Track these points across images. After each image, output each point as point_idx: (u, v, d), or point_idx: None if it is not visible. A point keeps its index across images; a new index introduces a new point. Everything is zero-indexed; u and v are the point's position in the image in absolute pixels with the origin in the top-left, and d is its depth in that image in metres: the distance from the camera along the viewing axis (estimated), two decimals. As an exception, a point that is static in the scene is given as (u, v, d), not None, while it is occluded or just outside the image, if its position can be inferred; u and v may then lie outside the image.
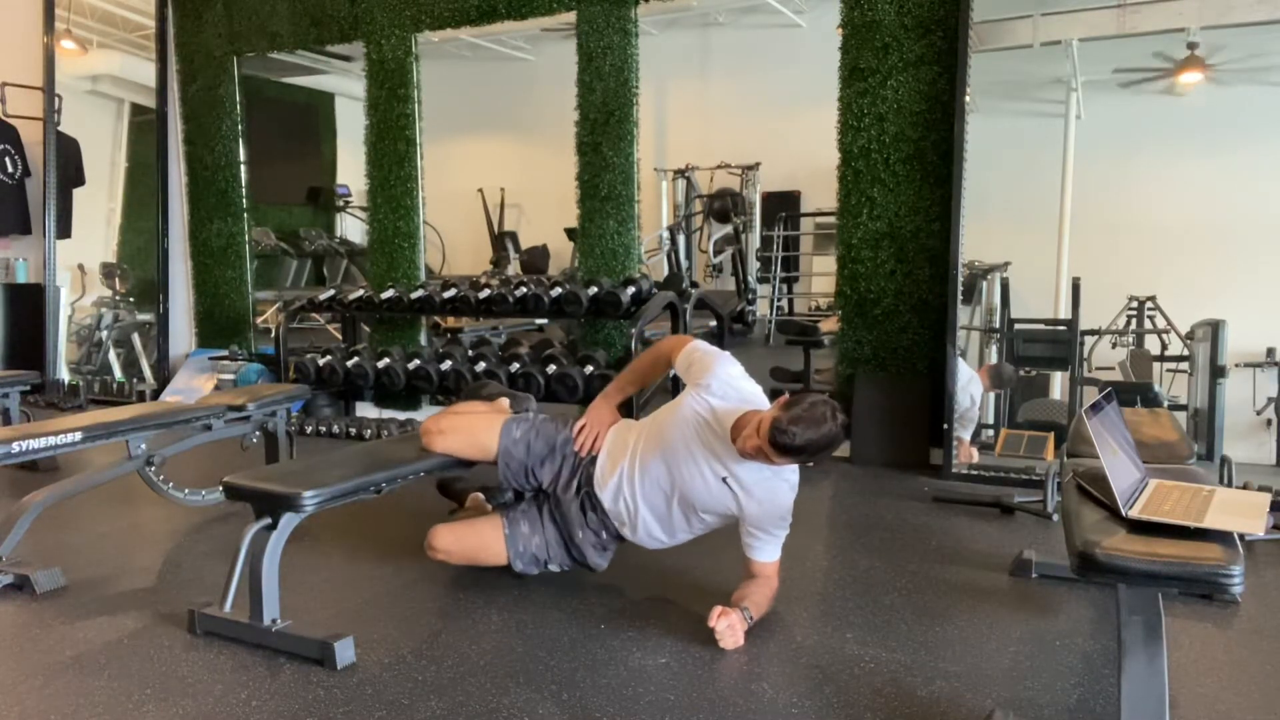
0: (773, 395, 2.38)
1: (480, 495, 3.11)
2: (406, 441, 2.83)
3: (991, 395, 4.10)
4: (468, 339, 5.30)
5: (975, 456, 3.90)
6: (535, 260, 7.10)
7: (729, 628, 2.22)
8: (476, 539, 2.65)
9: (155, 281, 5.89)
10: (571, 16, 4.66)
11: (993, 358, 4.17)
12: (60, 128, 5.87)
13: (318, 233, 6.84)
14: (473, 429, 2.68)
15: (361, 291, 5.04)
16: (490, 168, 7.21)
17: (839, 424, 2.21)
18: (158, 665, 2.18)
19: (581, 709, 1.96)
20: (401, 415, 5.08)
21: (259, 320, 5.86)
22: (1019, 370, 4.09)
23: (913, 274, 4.06)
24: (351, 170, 6.45)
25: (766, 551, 2.43)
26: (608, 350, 4.64)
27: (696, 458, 2.40)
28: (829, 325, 4.80)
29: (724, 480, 2.38)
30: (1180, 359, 3.75)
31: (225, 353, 5.61)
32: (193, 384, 5.53)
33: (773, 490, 2.38)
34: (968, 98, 3.77)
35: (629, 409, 2.77)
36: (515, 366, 4.47)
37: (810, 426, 2.16)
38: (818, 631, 2.35)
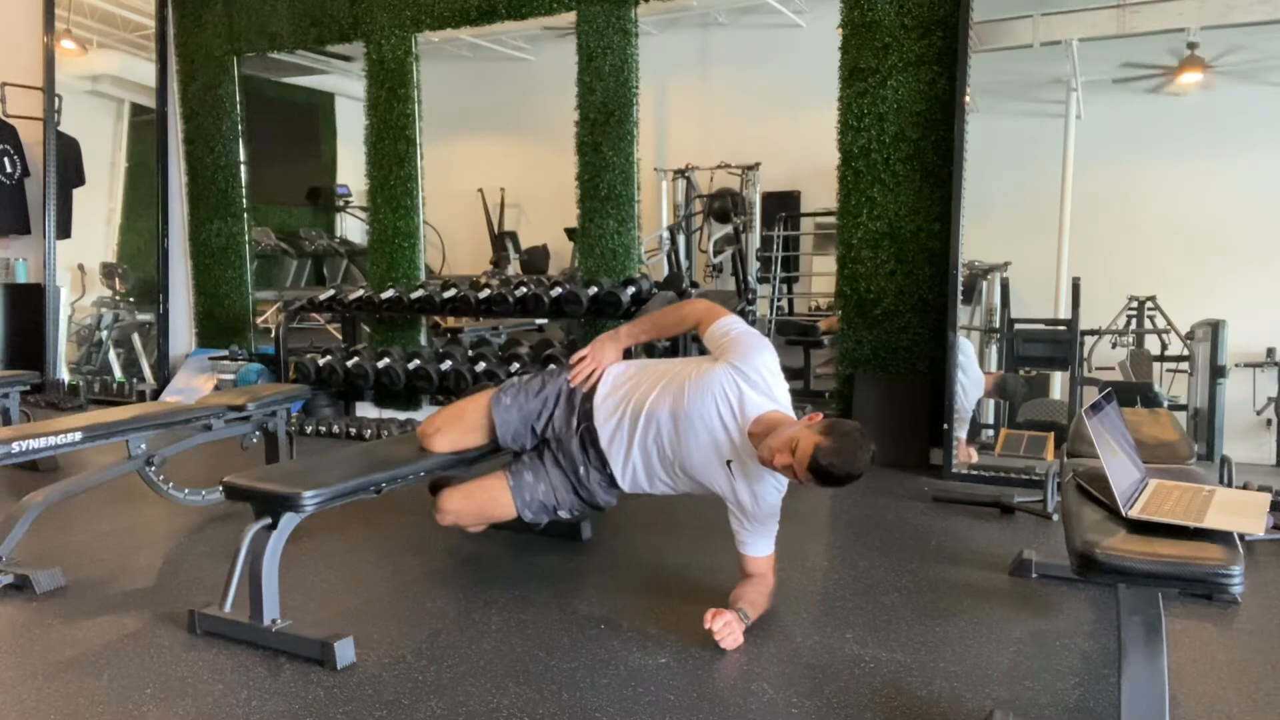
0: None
1: None
2: (406, 441, 2.83)
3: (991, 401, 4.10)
4: (468, 339, 5.29)
5: (975, 456, 3.90)
6: (535, 260, 7.09)
7: (725, 627, 2.22)
8: (485, 494, 2.68)
9: (155, 281, 5.89)
10: (571, 17, 4.67)
11: (993, 357, 4.17)
12: (60, 128, 5.87)
13: (318, 233, 6.83)
14: (463, 413, 2.74)
15: (361, 291, 5.04)
16: (490, 168, 7.19)
17: (869, 454, 2.24)
18: (158, 665, 2.18)
19: (581, 709, 1.96)
20: (401, 415, 5.08)
21: (259, 320, 5.86)
22: (1023, 382, 4.07)
23: (913, 274, 4.06)
24: (351, 170, 6.43)
25: (760, 546, 2.45)
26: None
27: (712, 431, 2.40)
28: (829, 325, 4.80)
29: (728, 463, 2.40)
30: (1180, 359, 3.75)
31: (225, 353, 5.61)
32: (193, 384, 5.53)
33: (765, 487, 2.41)
34: (968, 98, 3.77)
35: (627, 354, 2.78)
36: (515, 366, 4.47)
37: (851, 459, 2.19)
38: (818, 631, 2.35)
